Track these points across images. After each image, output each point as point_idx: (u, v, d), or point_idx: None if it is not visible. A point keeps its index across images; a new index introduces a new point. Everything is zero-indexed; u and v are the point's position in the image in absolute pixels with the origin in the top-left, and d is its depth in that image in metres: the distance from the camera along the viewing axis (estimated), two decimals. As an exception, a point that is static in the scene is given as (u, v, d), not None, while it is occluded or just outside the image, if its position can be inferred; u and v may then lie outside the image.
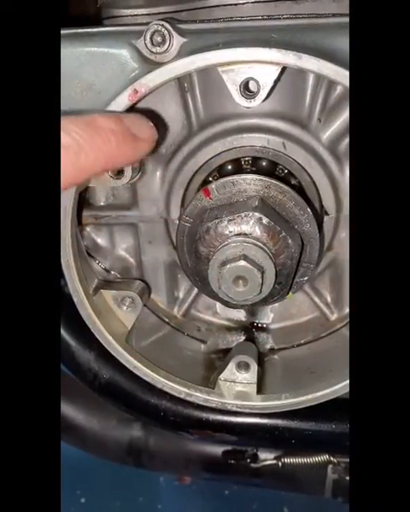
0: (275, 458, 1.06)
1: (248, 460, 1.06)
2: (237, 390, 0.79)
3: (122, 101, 0.62)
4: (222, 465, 1.10)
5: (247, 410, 0.77)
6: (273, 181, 0.66)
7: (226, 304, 0.69)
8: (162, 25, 0.65)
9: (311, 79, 0.75)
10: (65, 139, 0.49)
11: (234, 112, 0.78)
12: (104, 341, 0.75)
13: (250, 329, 0.94)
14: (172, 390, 0.77)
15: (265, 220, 0.61)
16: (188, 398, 0.77)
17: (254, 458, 1.06)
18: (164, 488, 2.01)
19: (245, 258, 0.60)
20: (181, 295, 0.94)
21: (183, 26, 0.68)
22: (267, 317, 0.94)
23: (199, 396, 0.77)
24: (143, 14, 0.76)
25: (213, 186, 0.68)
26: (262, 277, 0.60)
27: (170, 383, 0.77)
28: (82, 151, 0.50)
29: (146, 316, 0.91)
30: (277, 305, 0.92)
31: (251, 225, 0.61)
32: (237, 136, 0.79)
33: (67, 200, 0.66)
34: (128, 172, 0.68)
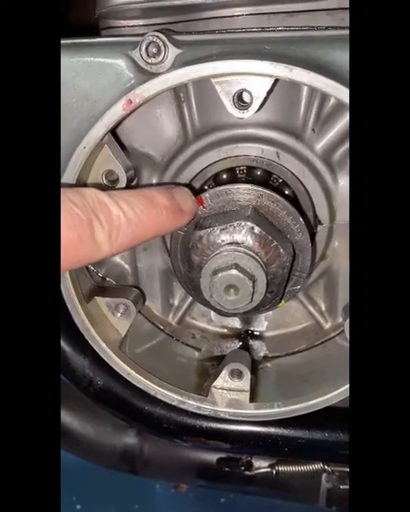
0: (269, 466, 1.06)
1: (243, 468, 1.06)
2: (229, 398, 0.79)
3: (117, 111, 0.63)
4: (216, 472, 1.10)
5: (239, 418, 0.77)
6: (266, 191, 0.67)
7: (219, 312, 0.70)
8: (158, 36, 0.66)
9: (305, 90, 0.76)
10: (129, 214, 0.57)
11: (229, 122, 0.79)
12: (98, 348, 0.75)
13: (244, 337, 0.95)
14: (166, 397, 0.78)
15: (257, 230, 0.62)
16: (181, 406, 0.78)
17: (249, 466, 1.06)
18: (160, 495, 2.01)
19: (237, 267, 0.61)
20: (176, 302, 0.94)
21: (178, 38, 0.68)
22: (262, 324, 0.94)
23: (192, 404, 0.78)
24: (139, 25, 0.77)
25: (206, 195, 0.69)
26: (253, 286, 0.61)
27: (163, 390, 0.77)
28: (141, 223, 0.59)
29: (141, 323, 0.91)
30: (271, 313, 0.92)
31: (243, 234, 0.62)
32: (231, 145, 0.80)
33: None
34: (123, 181, 0.69)
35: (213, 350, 0.93)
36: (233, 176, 0.82)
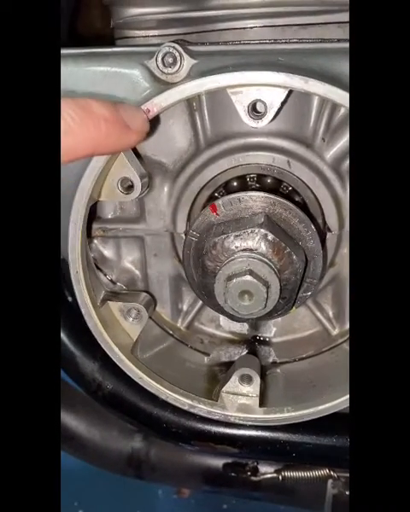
0: (275, 472, 1.06)
1: (249, 473, 1.06)
2: (239, 402, 0.80)
3: (134, 121, 0.64)
4: (222, 478, 1.11)
5: (249, 423, 0.78)
6: (278, 198, 0.68)
7: (231, 317, 0.71)
8: (174, 46, 0.67)
9: (316, 101, 0.78)
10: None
11: (240, 130, 0.81)
12: (110, 352, 0.76)
13: (253, 343, 0.96)
14: (176, 401, 0.78)
15: (270, 236, 0.63)
16: (191, 410, 0.78)
17: (255, 471, 1.07)
18: (162, 501, 2.00)
19: (251, 273, 0.62)
20: (185, 308, 0.95)
21: (193, 48, 0.70)
22: (270, 330, 0.95)
23: (202, 408, 0.78)
24: (154, 36, 0.79)
25: (220, 202, 0.70)
26: (267, 292, 0.62)
27: (174, 394, 0.78)
28: (70, 132, 0.50)
29: (150, 327, 0.92)
30: (280, 319, 0.93)
31: (257, 241, 0.63)
32: (243, 153, 0.81)
33: (78, 214, 0.68)
34: (138, 188, 0.70)
35: (221, 355, 0.94)
36: (244, 184, 0.83)
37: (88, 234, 0.85)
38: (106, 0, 0.79)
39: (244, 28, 0.75)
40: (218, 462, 1.11)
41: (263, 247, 0.63)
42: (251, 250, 0.63)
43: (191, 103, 0.80)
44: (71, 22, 1.01)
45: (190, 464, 1.14)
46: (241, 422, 0.78)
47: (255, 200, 0.69)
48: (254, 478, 1.07)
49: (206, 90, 0.62)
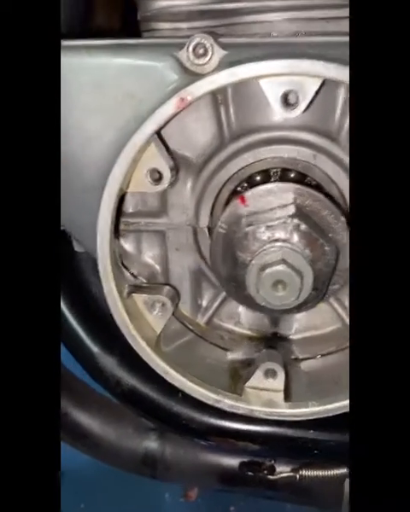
0: (292, 470, 1.05)
1: (266, 471, 1.05)
2: (264, 398, 0.79)
3: (168, 110, 0.64)
4: (238, 477, 1.10)
5: (274, 417, 0.77)
6: (308, 189, 0.68)
7: (261, 309, 0.71)
8: (205, 37, 0.67)
9: (342, 94, 0.78)
10: None
11: (265, 124, 0.80)
12: (135, 345, 0.76)
13: (273, 340, 0.95)
14: (201, 396, 0.78)
15: (303, 227, 0.63)
16: (216, 405, 0.78)
17: (272, 470, 1.06)
18: (169, 504, 1.98)
19: (285, 262, 0.62)
20: (205, 303, 0.95)
21: (223, 40, 0.70)
22: (290, 327, 0.95)
23: (227, 402, 0.78)
24: (182, 29, 0.79)
25: (249, 194, 0.70)
26: (301, 282, 0.61)
27: (199, 389, 0.78)
28: None
29: (170, 322, 0.91)
30: (301, 315, 0.93)
31: (289, 232, 0.63)
32: (267, 147, 0.81)
33: (109, 201, 0.68)
34: (166, 179, 0.70)
35: (241, 352, 0.93)
36: (267, 178, 0.82)
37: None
38: (133, -7, 0.79)
39: (272, 21, 0.75)
40: (234, 461, 1.10)
41: (295, 238, 0.63)
42: (283, 240, 0.63)
43: (216, 97, 0.79)
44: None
45: (206, 463, 1.13)
46: (266, 417, 0.77)
47: (285, 190, 0.68)
48: (270, 477, 1.06)
49: (240, 78, 0.62)
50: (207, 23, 0.77)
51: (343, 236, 0.69)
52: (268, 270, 0.62)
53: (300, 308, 0.68)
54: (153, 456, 1.15)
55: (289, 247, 0.62)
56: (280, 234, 0.63)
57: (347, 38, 0.69)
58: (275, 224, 0.64)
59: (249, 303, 0.69)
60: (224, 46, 0.69)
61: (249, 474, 1.08)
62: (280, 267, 0.61)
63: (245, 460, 1.09)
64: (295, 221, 0.63)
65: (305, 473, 1.05)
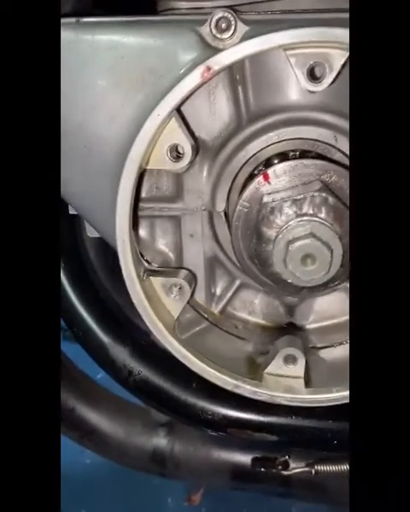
0: (307, 465, 1.03)
1: (280, 467, 1.02)
2: (284, 384, 0.77)
3: (194, 79, 0.63)
4: (251, 473, 1.07)
5: (297, 404, 0.75)
6: (333, 165, 0.67)
7: (284, 288, 0.69)
8: (228, 11, 0.66)
9: (362, 74, 0.77)
10: None
11: (285, 104, 0.79)
12: (154, 329, 0.73)
13: (288, 329, 0.93)
14: (220, 381, 0.76)
15: (331, 200, 0.61)
16: (236, 390, 0.75)
17: (286, 466, 1.03)
18: (172, 509, 1.94)
19: (313, 236, 0.60)
20: (219, 292, 0.93)
21: (245, 16, 0.69)
22: (306, 317, 0.93)
23: (247, 388, 0.76)
24: (200, 7, 0.78)
25: (272, 170, 0.69)
26: (331, 255, 0.60)
27: (218, 374, 0.75)
28: None
29: (185, 310, 0.89)
30: (315, 305, 0.91)
31: (317, 205, 0.61)
32: (287, 128, 0.80)
33: (129, 180, 0.66)
34: (188, 155, 0.69)
35: (256, 341, 0.91)
36: (286, 160, 0.81)
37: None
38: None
39: (295, -1, 0.74)
40: (246, 457, 1.08)
41: (324, 212, 0.61)
42: (311, 215, 0.61)
43: (234, 77, 0.78)
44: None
45: (217, 459, 1.10)
46: (287, 403, 0.75)
47: (309, 166, 0.67)
48: (284, 472, 1.03)
49: (270, 46, 0.61)
50: (227, 1, 0.76)
51: (369, 214, 0.68)
52: (297, 244, 0.60)
53: (327, 285, 0.66)
54: (162, 452, 1.12)
55: (317, 221, 0.60)
56: (308, 208, 0.61)
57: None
58: (301, 197, 0.62)
59: (274, 281, 0.67)
60: (246, 22, 0.68)
61: (262, 470, 1.05)
62: (309, 241, 0.60)
63: (258, 455, 1.06)
64: (324, 195, 0.61)
65: (320, 468, 1.02)
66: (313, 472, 1.02)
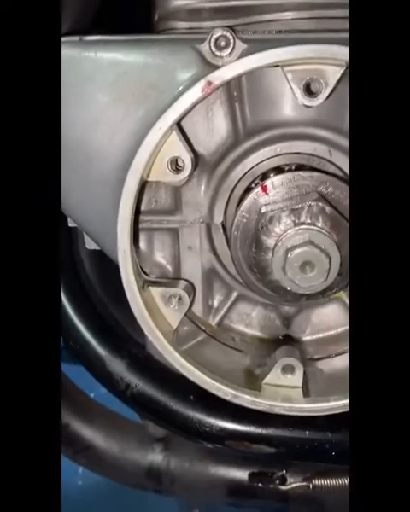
0: (304, 480, 1.02)
1: (277, 482, 1.02)
2: (283, 394, 0.77)
3: (195, 94, 0.65)
4: (248, 488, 1.06)
5: (295, 413, 0.75)
6: (329, 177, 0.69)
7: (284, 296, 0.70)
8: (226, 30, 0.69)
9: (355, 92, 0.80)
10: None
11: (281, 120, 0.81)
12: (153, 338, 0.74)
13: (285, 342, 0.94)
14: (219, 391, 0.76)
15: (328, 210, 0.63)
16: (234, 400, 0.76)
17: (283, 480, 1.02)
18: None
19: (312, 244, 0.61)
20: (216, 304, 0.93)
21: (243, 35, 0.72)
22: (302, 329, 0.94)
23: (246, 398, 0.76)
24: (198, 27, 0.81)
25: (270, 183, 0.70)
26: (329, 263, 0.61)
27: (217, 384, 0.76)
28: None
29: (182, 322, 0.90)
30: (312, 316, 0.92)
31: (315, 214, 0.63)
32: (283, 143, 0.82)
33: (131, 190, 0.67)
34: (188, 168, 0.70)
35: (253, 354, 0.92)
36: (282, 173, 0.83)
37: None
38: (152, -8, 0.81)
39: (292, 19, 0.77)
40: (243, 473, 1.07)
41: (321, 221, 0.63)
42: (309, 223, 0.63)
43: (232, 93, 0.81)
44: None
45: (214, 475, 1.09)
46: (286, 413, 0.76)
47: (306, 178, 0.69)
48: (282, 487, 1.02)
49: (269, 62, 0.63)
50: (224, 22, 0.79)
51: (364, 225, 0.70)
52: (296, 251, 0.62)
53: (324, 293, 0.68)
54: (158, 468, 1.11)
55: (315, 229, 0.62)
56: (305, 217, 0.63)
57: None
58: (300, 207, 0.64)
59: (273, 290, 0.68)
60: (244, 40, 0.70)
61: (259, 485, 1.04)
62: (308, 248, 0.61)
63: (255, 470, 1.05)
64: (321, 204, 0.63)
65: (318, 482, 1.01)
66: (311, 486, 1.01)
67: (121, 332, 1.00)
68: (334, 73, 0.64)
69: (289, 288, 0.65)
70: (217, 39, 0.69)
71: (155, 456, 1.12)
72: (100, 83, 0.73)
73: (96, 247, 0.88)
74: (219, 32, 0.69)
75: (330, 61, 0.64)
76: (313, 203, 0.64)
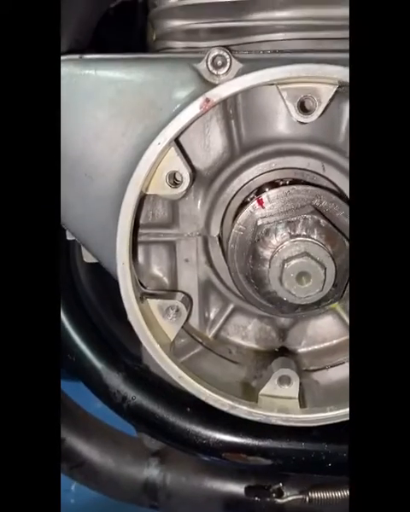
0: (301, 493, 1.02)
1: (274, 495, 1.02)
2: (279, 405, 0.78)
3: (193, 110, 0.67)
4: (245, 502, 1.06)
5: (291, 424, 0.76)
6: (323, 191, 0.71)
7: (280, 307, 0.71)
8: (223, 49, 0.71)
9: (346, 109, 0.82)
10: None
11: (275, 136, 0.84)
12: (151, 350, 0.75)
13: (280, 354, 0.95)
14: (217, 402, 0.76)
15: (323, 223, 0.65)
16: (232, 411, 0.76)
17: (280, 494, 1.02)
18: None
19: (308, 255, 0.63)
20: (212, 317, 0.95)
21: (239, 55, 0.74)
22: (297, 341, 0.95)
23: (243, 409, 0.77)
24: (195, 47, 0.83)
25: (266, 196, 0.72)
26: (325, 274, 0.63)
27: (214, 395, 0.76)
28: None
29: (179, 335, 0.91)
30: (307, 328, 0.94)
31: (310, 227, 0.65)
32: (278, 158, 0.84)
33: (130, 203, 0.69)
34: (186, 182, 0.72)
35: (251, 365, 0.93)
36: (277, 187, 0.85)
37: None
38: (151, 14, 0.84)
39: (282, 40, 0.80)
40: (239, 486, 1.06)
41: (316, 233, 0.64)
42: (305, 235, 0.65)
43: (227, 111, 0.83)
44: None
45: (210, 489, 1.08)
46: (282, 423, 0.76)
47: (301, 192, 0.71)
48: (279, 500, 1.02)
49: (263, 82, 0.65)
50: (220, 42, 0.81)
51: (358, 237, 0.71)
52: (293, 262, 0.63)
53: (320, 304, 0.69)
54: (154, 483, 1.10)
55: (311, 241, 0.64)
56: (301, 229, 0.65)
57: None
58: (295, 219, 0.66)
59: (270, 301, 0.70)
60: (240, 60, 0.73)
61: (256, 498, 1.04)
62: (304, 259, 0.63)
63: (251, 484, 1.05)
64: (315, 217, 0.65)
65: (315, 495, 1.01)
66: (308, 499, 1.01)
67: (118, 345, 1.00)
68: (327, 91, 0.67)
69: (285, 299, 0.67)
70: (214, 58, 0.72)
71: (151, 471, 1.11)
72: (100, 100, 0.75)
73: (94, 260, 0.89)
74: (215, 52, 0.71)
75: (324, 80, 0.66)
76: (308, 216, 0.66)
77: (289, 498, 1.02)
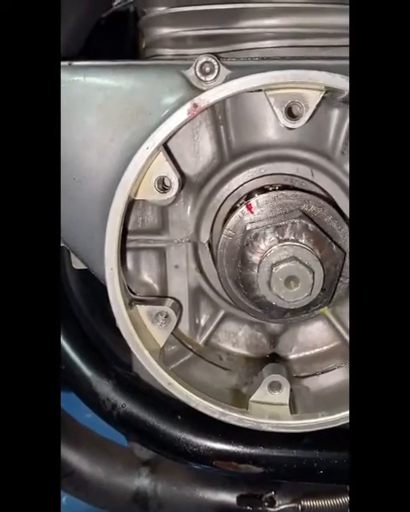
0: (293, 501, 1.01)
1: (266, 504, 1.01)
2: (270, 411, 0.78)
3: (181, 116, 0.67)
4: (236, 512, 1.04)
5: (282, 430, 0.75)
6: (312, 196, 0.71)
7: (269, 312, 0.71)
8: (211, 56, 0.72)
9: (335, 116, 0.83)
10: None
11: (264, 142, 0.84)
12: (140, 356, 0.74)
13: (271, 360, 0.94)
14: (207, 409, 0.76)
15: (311, 227, 0.65)
16: (222, 418, 0.76)
17: (272, 502, 1.01)
18: None
19: (296, 259, 0.63)
20: (203, 323, 0.94)
21: (226, 62, 0.75)
22: (288, 347, 0.95)
23: (234, 415, 0.76)
24: (184, 54, 0.84)
25: (255, 201, 0.72)
26: (313, 278, 0.63)
27: (205, 402, 0.76)
28: None
29: (169, 342, 0.90)
30: (298, 335, 0.93)
31: (298, 231, 0.65)
32: (268, 164, 0.84)
33: (118, 209, 0.69)
34: (174, 187, 0.72)
35: (241, 371, 0.92)
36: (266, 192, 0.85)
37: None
38: (141, 22, 0.85)
39: (270, 48, 0.80)
40: (231, 495, 1.05)
41: (304, 238, 0.64)
42: (293, 240, 0.65)
43: (217, 117, 0.83)
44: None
45: (202, 499, 1.07)
46: (273, 429, 0.76)
47: (289, 197, 0.71)
48: (271, 509, 1.01)
49: (250, 87, 0.66)
50: (209, 49, 0.82)
51: (346, 242, 0.72)
52: (281, 266, 0.63)
53: (308, 308, 0.69)
54: (144, 493, 1.09)
55: (299, 246, 0.64)
56: (289, 234, 0.65)
57: (343, 62, 0.76)
58: (283, 224, 0.66)
59: (259, 305, 0.69)
60: (228, 66, 0.73)
61: (248, 508, 1.03)
62: (292, 264, 0.63)
63: (243, 493, 1.04)
64: (304, 221, 0.65)
65: (307, 503, 1.00)
66: (300, 508, 1.00)
67: (108, 353, 1.00)
68: (314, 97, 0.67)
69: (274, 303, 0.66)
70: (202, 65, 0.72)
71: (142, 481, 1.10)
72: (89, 106, 0.75)
73: (84, 267, 0.89)
74: (204, 59, 0.72)
75: (310, 86, 0.67)
76: (296, 220, 0.66)
77: (282, 507, 1.01)
